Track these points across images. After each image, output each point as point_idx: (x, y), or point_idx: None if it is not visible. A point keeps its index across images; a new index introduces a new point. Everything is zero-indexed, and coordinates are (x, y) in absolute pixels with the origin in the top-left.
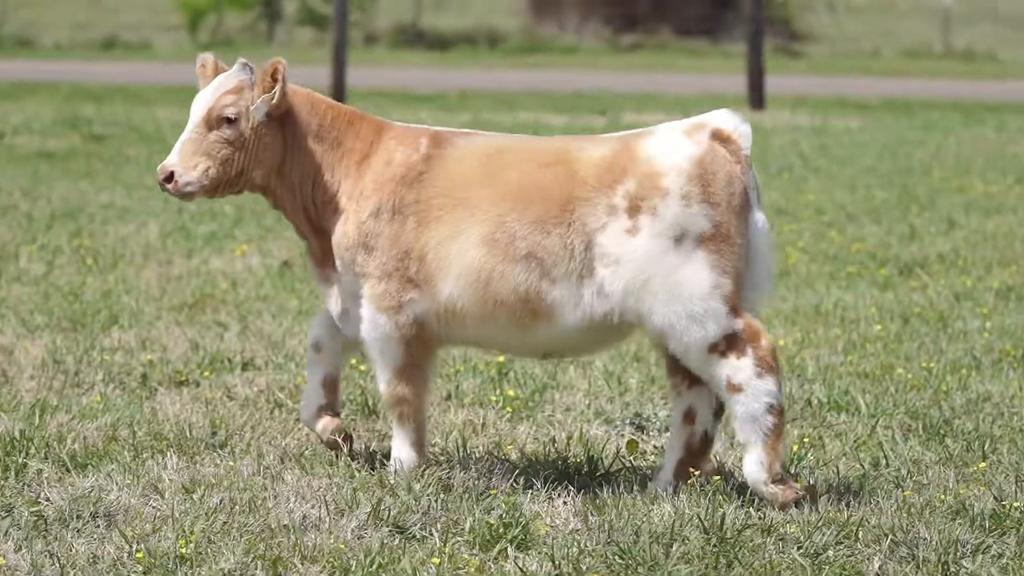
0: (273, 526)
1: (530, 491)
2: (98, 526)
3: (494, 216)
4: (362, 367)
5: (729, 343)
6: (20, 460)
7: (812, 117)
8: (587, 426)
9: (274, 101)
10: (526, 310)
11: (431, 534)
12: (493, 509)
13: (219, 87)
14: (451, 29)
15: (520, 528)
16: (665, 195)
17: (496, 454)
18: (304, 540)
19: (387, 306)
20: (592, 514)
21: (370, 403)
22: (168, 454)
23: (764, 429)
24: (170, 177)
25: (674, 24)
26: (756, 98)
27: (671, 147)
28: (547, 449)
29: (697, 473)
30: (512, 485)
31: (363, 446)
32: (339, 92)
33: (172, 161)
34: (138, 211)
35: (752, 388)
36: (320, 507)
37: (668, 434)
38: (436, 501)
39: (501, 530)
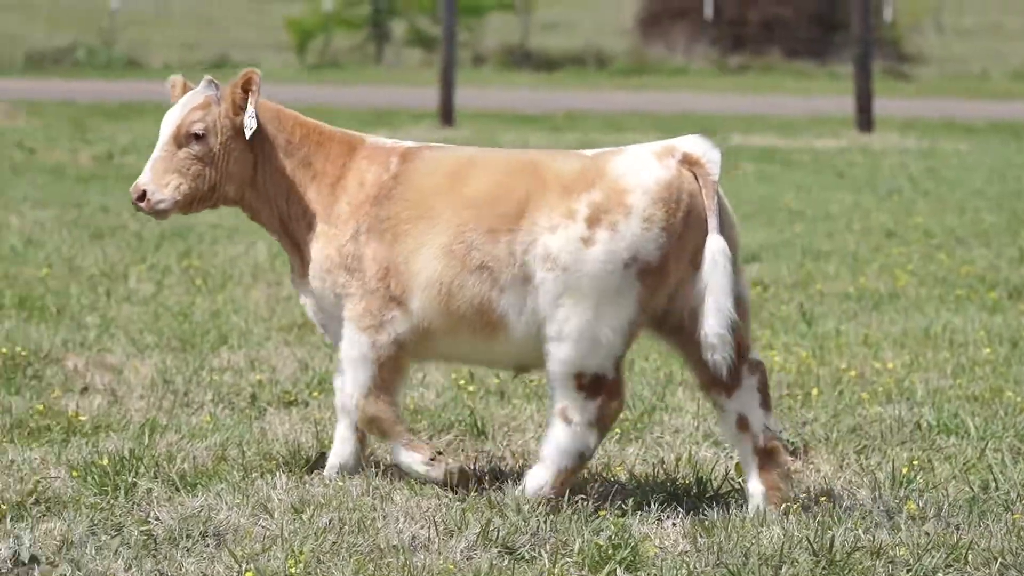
0: (382, 546)
1: (639, 512)
2: (208, 545)
3: (454, 226)
4: (470, 388)
5: (592, 382)
6: (130, 479)
7: (920, 140)
8: (696, 448)
9: (252, 111)
10: (482, 322)
11: (540, 555)
12: (602, 530)
13: (186, 104)
14: (559, 50)
15: (629, 549)
16: (628, 213)
17: (605, 475)
18: (413, 561)
19: (368, 325)
20: (701, 536)
21: (479, 424)
22: (277, 474)
23: (566, 464)
24: (143, 196)
25: (782, 46)
26: (864, 120)
27: (640, 167)
28: (656, 471)
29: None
30: (621, 506)
31: (472, 467)
32: (447, 113)
33: (144, 180)
34: (246, 231)
35: (577, 431)
36: (429, 527)
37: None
38: (545, 522)
39: (610, 551)
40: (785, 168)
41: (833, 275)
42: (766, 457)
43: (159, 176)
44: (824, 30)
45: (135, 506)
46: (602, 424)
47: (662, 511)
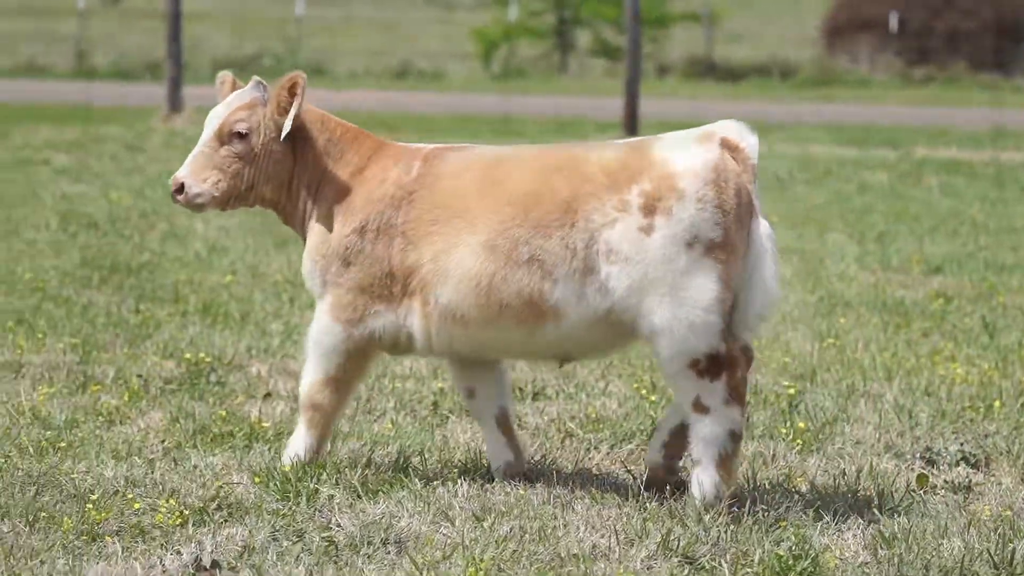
0: (562, 555)
1: (819, 523)
2: (388, 552)
3: (495, 223)
4: (652, 397)
5: (709, 363)
6: (312, 486)
7: None
8: (877, 460)
9: (294, 113)
10: (531, 312)
11: (720, 565)
12: (783, 541)
13: (232, 103)
14: (743, 61)
15: (809, 560)
16: (681, 196)
17: (786, 486)
18: (593, 570)
19: (348, 318)
20: (882, 547)
21: None
22: (459, 481)
23: (721, 452)
24: (181, 188)
25: (967, 58)
26: None
27: (685, 151)
28: (837, 482)
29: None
30: (802, 517)
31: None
32: (631, 123)
33: (183, 173)
34: None
35: (718, 413)
36: (610, 537)
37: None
38: (726, 532)
39: (790, 562)
40: (969, 181)
41: (1016, 288)
42: (674, 437)
43: (199, 171)
44: (1010, 42)
45: (317, 512)
46: (738, 397)
47: (843, 522)
